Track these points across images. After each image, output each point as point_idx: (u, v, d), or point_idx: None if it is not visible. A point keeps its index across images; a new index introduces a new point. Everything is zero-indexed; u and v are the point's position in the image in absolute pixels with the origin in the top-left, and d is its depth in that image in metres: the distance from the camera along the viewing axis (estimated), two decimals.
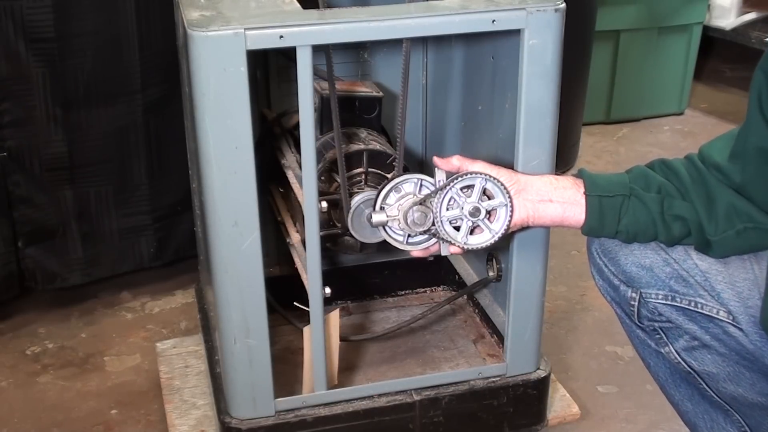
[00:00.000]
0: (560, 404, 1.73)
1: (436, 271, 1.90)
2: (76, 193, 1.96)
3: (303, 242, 1.47)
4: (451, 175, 1.33)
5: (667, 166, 1.30)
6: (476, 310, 1.79)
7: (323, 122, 1.58)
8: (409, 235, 1.38)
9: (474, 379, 1.59)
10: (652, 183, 1.29)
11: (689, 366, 1.35)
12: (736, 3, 3.36)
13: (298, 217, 1.56)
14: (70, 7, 1.81)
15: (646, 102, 3.21)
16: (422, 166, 1.82)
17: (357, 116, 1.64)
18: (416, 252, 1.40)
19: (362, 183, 1.53)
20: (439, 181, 1.34)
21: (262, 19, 1.28)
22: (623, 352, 1.96)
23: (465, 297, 1.82)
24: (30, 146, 1.88)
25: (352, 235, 1.48)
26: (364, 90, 1.67)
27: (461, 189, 1.33)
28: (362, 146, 1.55)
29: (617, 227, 1.29)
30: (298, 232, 1.62)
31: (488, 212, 1.33)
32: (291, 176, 1.56)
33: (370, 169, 1.53)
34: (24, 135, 1.87)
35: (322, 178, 1.52)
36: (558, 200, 1.32)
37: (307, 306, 1.45)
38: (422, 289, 1.92)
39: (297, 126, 1.39)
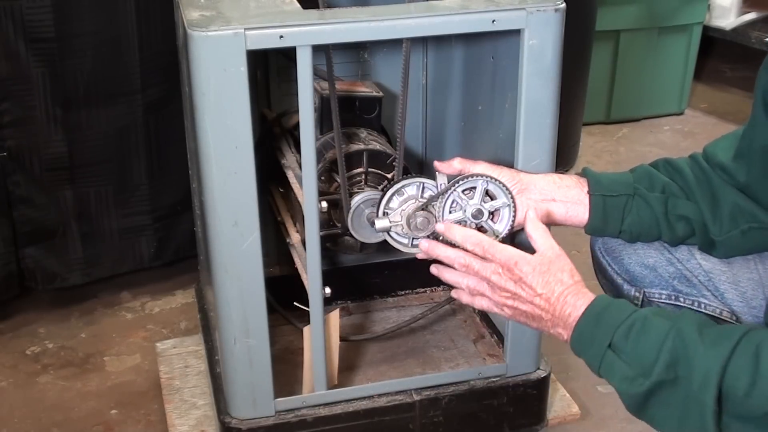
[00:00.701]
0: (560, 404, 1.73)
1: None
2: (76, 193, 1.96)
3: (303, 242, 1.47)
4: (453, 178, 1.33)
5: (671, 165, 1.30)
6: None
7: (323, 122, 1.58)
8: (413, 239, 1.39)
9: (474, 379, 1.59)
10: (656, 182, 1.29)
11: None
12: (736, 3, 3.36)
13: (298, 217, 1.56)
14: (70, 7, 1.81)
15: (646, 102, 3.21)
16: (422, 166, 1.82)
17: (357, 116, 1.64)
18: (421, 255, 1.41)
19: (362, 183, 1.53)
20: (441, 184, 1.34)
21: (262, 19, 1.28)
22: None
23: None
24: (30, 146, 1.88)
25: (352, 235, 1.48)
26: (364, 90, 1.67)
27: (463, 191, 1.33)
28: (362, 146, 1.55)
29: (621, 227, 1.29)
30: (298, 232, 1.61)
31: (491, 213, 1.33)
32: (291, 176, 1.56)
33: (370, 169, 1.53)
34: (24, 135, 1.87)
35: (322, 178, 1.52)
36: (561, 199, 1.32)
37: (307, 306, 1.45)
38: (422, 289, 1.92)
39: (297, 126, 1.39)
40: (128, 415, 1.81)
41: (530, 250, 1.22)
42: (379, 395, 1.55)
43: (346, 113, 1.56)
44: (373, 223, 1.40)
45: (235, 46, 1.24)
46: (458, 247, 1.28)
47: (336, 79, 1.43)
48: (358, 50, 1.77)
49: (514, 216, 1.32)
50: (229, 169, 1.31)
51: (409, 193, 1.38)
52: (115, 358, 1.98)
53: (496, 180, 1.31)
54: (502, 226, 1.33)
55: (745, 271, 1.26)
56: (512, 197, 1.32)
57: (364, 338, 1.74)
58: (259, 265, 1.38)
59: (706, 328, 1.04)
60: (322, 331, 1.46)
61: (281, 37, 1.26)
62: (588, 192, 1.30)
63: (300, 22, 1.27)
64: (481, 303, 1.26)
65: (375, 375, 1.64)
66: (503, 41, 1.46)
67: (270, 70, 1.73)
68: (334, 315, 1.51)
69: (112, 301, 2.16)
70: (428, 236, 1.36)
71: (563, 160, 2.74)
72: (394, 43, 1.65)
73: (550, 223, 1.34)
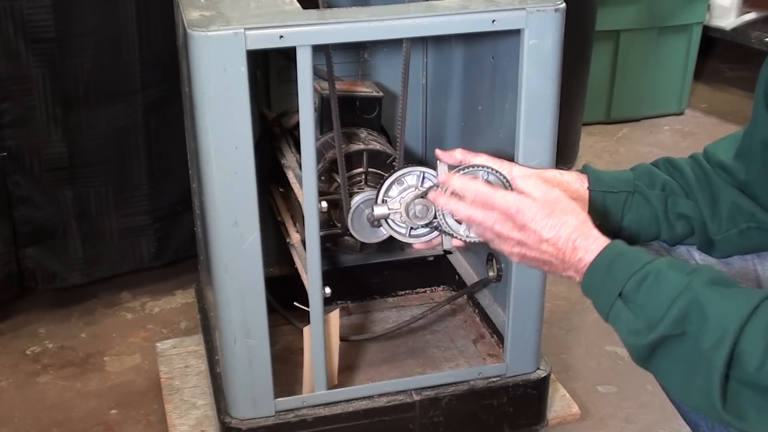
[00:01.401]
0: (560, 404, 1.73)
1: (436, 271, 1.90)
2: (76, 193, 1.96)
3: (303, 242, 1.47)
4: (454, 168, 1.33)
5: (671, 164, 1.30)
6: (476, 310, 1.79)
7: (323, 122, 1.58)
8: (411, 228, 1.38)
9: (474, 379, 1.59)
10: (657, 180, 1.29)
11: None
12: (736, 3, 3.35)
13: (298, 217, 1.56)
14: (70, 7, 1.81)
15: (646, 102, 3.21)
16: (422, 165, 1.82)
17: (357, 116, 1.64)
18: (418, 245, 1.41)
19: (362, 183, 1.53)
20: (441, 173, 1.34)
21: (262, 19, 1.28)
22: (623, 352, 1.95)
23: (465, 297, 1.82)
24: (30, 146, 1.88)
25: (352, 235, 1.49)
26: (364, 90, 1.67)
27: None
28: (362, 146, 1.55)
29: (620, 223, 1.29)
30: (298, 232, 1.62)
31: None
32: (291, 176, 1.56)
33: (370, 169, 1.53)
34: (24, 135, 1.87)
35: (322, 178, 1.52)
36: None
37: (307, 306, 1.45)
38: (422, 289, 1.92)
39: (297, 126, 1.39)
40: (128, 415, 1.81)
41: None
42: (379, 395, 1.55)
43: (346, 113, 1.56)
44: (372, 219, 1.40)
45: (235, 46, 1.24)
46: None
47: (336, 79, 1.44)
48: (358, 50, 1.77)
49: None
50: (229, 169, 1.31)
51: (408, 182, 1.38)
52: (115, 358, 1.98)
53: (497, 171, 1.31)
54: None
55: (743, 271, 1.26)
56: (512, 189, 1.31)
57: (364, 338, 1.74)
58: (259, 265, 1.38)
59: (724, 287, 1.00)
60: (322, 331, 1.46)
61: (281, 37, 1.26)
62: (588, 188, 1.30)
63: (300, 22, 1.27)
64: (494, 247, 1.25)
65: (375, 375, 1.64)
66: (503, 41, 1.46)
67: (270, 70, 1.74)
68: (334, 315, 1.51)
69: (112, 301, 2.16)
70: (427, 226, 1.36)
71: (563, 159, 2.74)
72: (394, 43, 1.65)
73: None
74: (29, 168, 1.90)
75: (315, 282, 1.42)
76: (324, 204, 1.46)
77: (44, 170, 1.91)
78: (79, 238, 2.00)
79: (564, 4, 1.35)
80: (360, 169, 1.53)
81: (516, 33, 1.35)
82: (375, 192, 1.41)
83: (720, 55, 3.68)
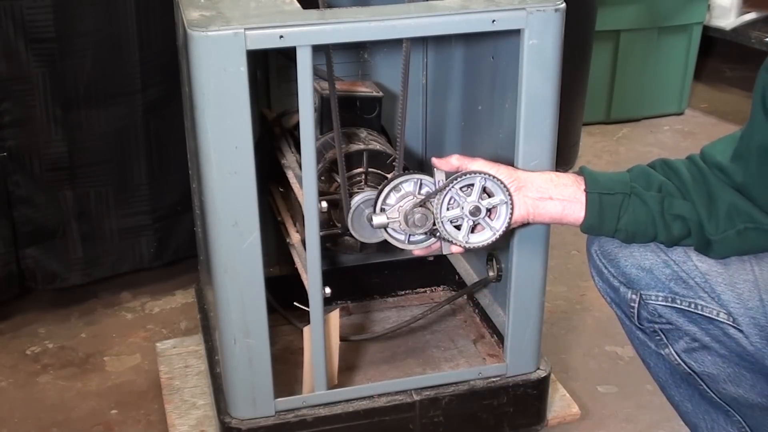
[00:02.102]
0: (560, 404, 1.73)
1: (436, 271, 1.90)
2: (76, 193, 1.96)
3: (303, 242, 1.47)
4: (451, 175, 1.33)
5: (668, 165, 1.30)
6: (476, 310, 1.79)
7: (323, 122, 1.58)
8: (410, 235, 1.39)
9: (474, 379, 1.59)
10: (653, 182, 1.29)
11: (689, 367, 1.35)
12: (736, 3, 3.36)
13: (298, 217, 1.56)
14: (70, 7, 1.81)
15: (646, 102, 3.21)
16: (422, 165, 1.82)
17: (357, 116, 1.64)
18: (418, 251, 1.41)
19: (362, 183, 1.53)
20: (439, 181, 1.34)
21: (262, 19, 1.27)
22: (623, 352, 1.96)
23: (465, 297, 1.82)
24: (30, 146, 1.88)
25: (352, 235, 1.48)
26: (364, 90, 1.67)
27: (461, 188, 1.33)
28: (362, 146, 1.55)
29: (617, 225, 1.29)
30: (298, 232, 1.61)
31: (489, 210, 1.33)
32: (291, 176, 1.56)
33: (370, 169, 1.53)
34: (24, 135, 1.87)
35: (322, 178, 1.52)
36: (558, 197, 1.32)
37: (307, 306, 1.45)
38: (422, 289, 1.92)
39: (297, 126, 1.39)
40: (128, 415, 1.81)
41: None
42: (379, 395, 1.55)
43: (346, 113, 1.56)
44: (371, 221, 1.40)
45: (235, 46, 1.24)
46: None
47: (336, 79, 1.43)
48: (358, 50, 1.77)
49: (512, 213, 1.32)
50: (229, 169, 1.31)
51: (406, 189, 1.38)
52: (115, 358, 1.98)
53: (494, 177, 1.31)
54: (500, 223, 1.33)
55: (741, 273, 1.26)
56: (510, 194, 1.32)
57: (364, 338, 1.74)
58: (259, 265, 1.38)
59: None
60: (322, 331, 1.46)
61: (281, 37, 1.26)
62: (585, 190, 1.30)
63: (300, 22, 1.27)
64: None
65: (375, 375, 1.64)
66: (503, 41, 1.46)
67: (270, 70, 1.73)
68: (334, 315, 1.51)
69: (112, 301, 2.16)
70: (426, 234, 1.36)
71: (563, 160, 2.74)
72: (394, 43, 1.65)
73: (544, 222, 1.36)
74: (29, 168, 1.90)
75: (315, 282, 1.42)
76: (324, 204, 1.46)
77: (44, 170, 1.91)
78: (79, 238, 2.00)
79: (564, 4, 1.35)
80: (360, 169, 1.53)
81: (516, 33, 1.35)
82: (375, 192, 1.41)
83: (720, 55, 3.68)
